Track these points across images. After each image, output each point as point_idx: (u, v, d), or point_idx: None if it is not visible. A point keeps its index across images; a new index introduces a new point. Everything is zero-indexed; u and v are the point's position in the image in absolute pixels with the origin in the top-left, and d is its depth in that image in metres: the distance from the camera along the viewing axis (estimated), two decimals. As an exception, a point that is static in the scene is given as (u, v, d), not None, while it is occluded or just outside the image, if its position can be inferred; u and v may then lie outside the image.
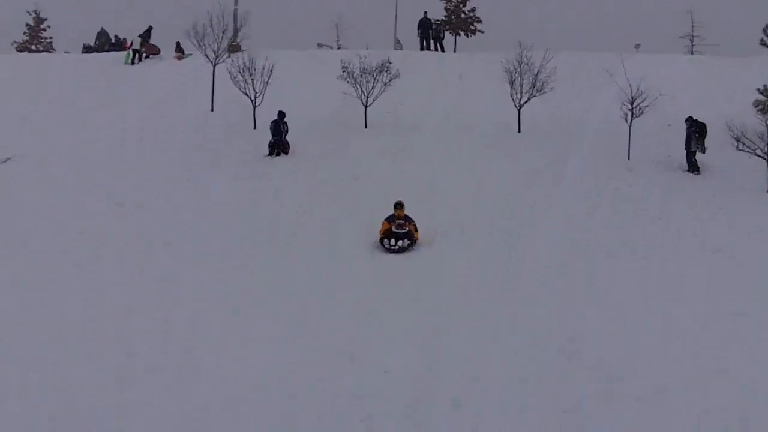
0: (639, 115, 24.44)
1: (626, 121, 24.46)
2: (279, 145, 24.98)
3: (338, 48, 36.95)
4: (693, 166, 23.70)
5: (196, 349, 14.27)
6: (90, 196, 22.00)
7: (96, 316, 15.55)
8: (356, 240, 19.53)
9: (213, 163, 24.05)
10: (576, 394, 12.11)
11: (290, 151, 25.06)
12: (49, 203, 21.52)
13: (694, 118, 24.24)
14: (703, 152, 23.84)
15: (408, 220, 19.82)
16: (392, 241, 19.47)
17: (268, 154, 24.90)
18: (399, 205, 20.01)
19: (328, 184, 22.88)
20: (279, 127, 25.07)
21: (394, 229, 19.68)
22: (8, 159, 24.61)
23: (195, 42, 29.07)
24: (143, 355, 13.93)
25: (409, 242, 19.51)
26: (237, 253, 18.75)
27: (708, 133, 24.05)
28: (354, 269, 18.09)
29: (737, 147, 23.01)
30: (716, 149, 23.91)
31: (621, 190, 22.34)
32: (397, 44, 38.44)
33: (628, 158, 24.16)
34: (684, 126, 24.28)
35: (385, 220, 19.86)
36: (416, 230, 19.74)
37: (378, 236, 19.67)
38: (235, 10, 34.74)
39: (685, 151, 23.89)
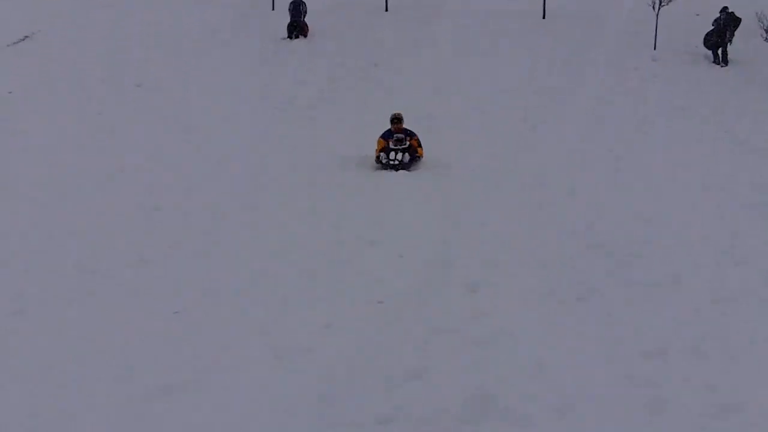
0: (667, 4, 23.94)
1: (654, 9, 23.95)
2: (297, 27, 24.62)
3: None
4: (722, 58, 23.29)
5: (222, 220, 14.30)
6: (107, 76, 21.85)
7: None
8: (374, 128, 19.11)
9: (230, 46, 23.76)
10: (591, 280, 12.06)
11: (309, 33, 24.71)
12: (66, 81, 21.41)
13: (729, 9, 23.75)
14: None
15: (409, 134, 16.90)
16: (391, 155, 16.62)
17: (287, 37, 24.56)
18: (396, 119, 16.94)
19: (347, 69, 22.60)
20: (298, 8, 24.68)
21: (391, 146, 16.74)
22: (26, 37, 24.39)
23: None
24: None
25: (411, 157, 16.67)
26: (252, 134, 18.64)
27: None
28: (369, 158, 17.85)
29: (766, 39, 22.66)
30: (744, 41, 23.57)
31: (646, 81, 22.03)
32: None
33: (654, 48, 23.76)
34: (715, 17, 23.78)
35: (381, 137, 16.94)
36: (420, 146, 16.90)
37: (374, 156, 16.99)
38: None
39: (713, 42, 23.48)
